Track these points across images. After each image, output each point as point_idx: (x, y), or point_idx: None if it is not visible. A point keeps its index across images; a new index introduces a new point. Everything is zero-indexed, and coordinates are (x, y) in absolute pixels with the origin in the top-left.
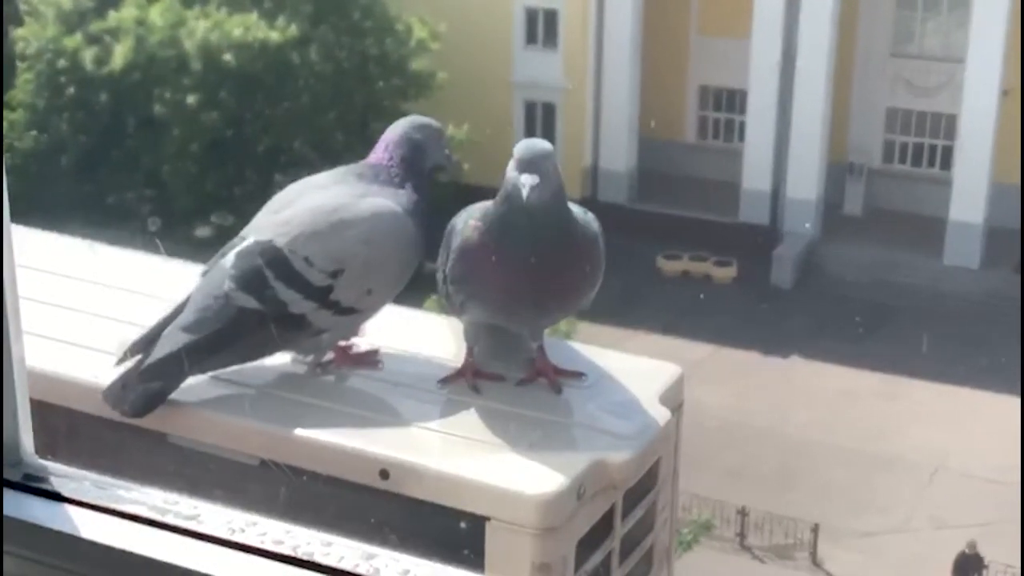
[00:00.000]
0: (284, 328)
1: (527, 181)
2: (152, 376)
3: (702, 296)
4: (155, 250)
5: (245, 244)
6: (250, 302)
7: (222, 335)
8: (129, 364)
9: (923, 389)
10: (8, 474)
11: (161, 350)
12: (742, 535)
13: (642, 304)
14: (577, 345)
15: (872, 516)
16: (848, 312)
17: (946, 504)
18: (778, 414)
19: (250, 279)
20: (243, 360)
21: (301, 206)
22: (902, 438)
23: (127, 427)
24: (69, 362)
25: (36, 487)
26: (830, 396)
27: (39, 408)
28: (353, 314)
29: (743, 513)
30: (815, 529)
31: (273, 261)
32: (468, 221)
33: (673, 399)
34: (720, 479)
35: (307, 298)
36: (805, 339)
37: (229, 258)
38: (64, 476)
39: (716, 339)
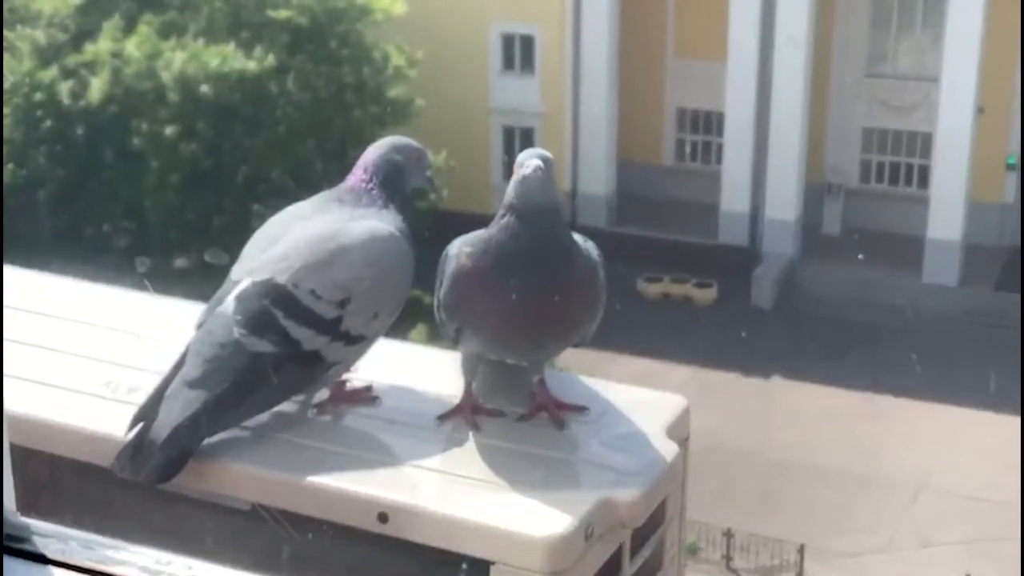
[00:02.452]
0: (299, 368)
1: (531, 163)
2: (175, 441)
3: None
4: (137, 285)
5: (243, 287)
6: (264, 346)
7: (239, 386)
8: (136, 430)
9: (905, 407)
10: None
11: (175, 411)
12: (728, 557)
13: (623, 327)
14: (579, 377)
15: (857, 536)
16: (828, 331)
17: (931, 523)
18: (761, 435)
19: (260, 322)
20: (261, 410)
21: (292, 239)
22: (885, 457)
23: (112, 474)
24: (50, 405)
25: (18, 548)
26: (812, 416)
27: (17, 454)
28: (360, 343)
29: (729, 535)
30: (801, 550)
31: (279, 299)
32: (462, 248)
33: (680, 432)
34: (704, 501)
35: (320, 333)
36: (786, 359)
37: (229, 304)
38: (48, 535)
39: (697, 361)
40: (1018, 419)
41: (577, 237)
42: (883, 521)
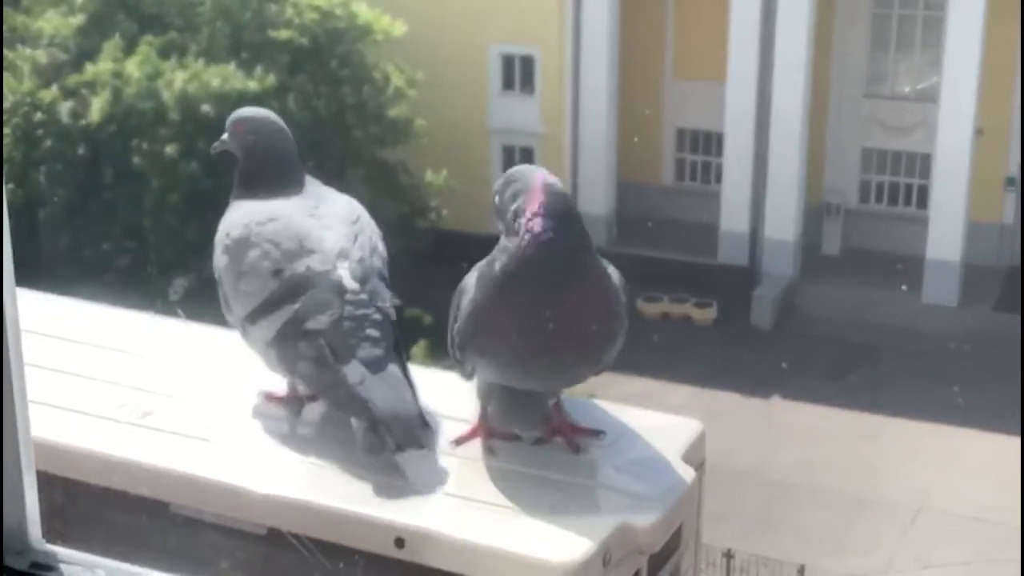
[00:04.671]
0: None
1: (536, 226)
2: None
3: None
4: (138, 306)
5: (353, 269)
6: (393, 316)
7: (403, 354)
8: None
9: (905, 428)
10: (13, 562)
11: (398, 385)
12: None
13: (622, 347)
14: (595, 401)
15: (857, 557)
16: (828, 352)
17: (930, 543)
18: (760, 455)
19: (387, 295)
20: None
21: (336, 221)
22: (885, 478)
23: (127, 496)
24: (65, 429)
25: None
26: (811, 437)
27: (37, 478)
28: None
29: (729, 556)
30: (801, 571)
31: (381, 274)
32: (480, 278)
33: (696, 456)
34: (704, 522)
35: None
36: (786, 380)
37: (347, 282)
38: (74, 563)
39: (697, 381)
40: (1018, 439)
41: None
42: (883, 542)
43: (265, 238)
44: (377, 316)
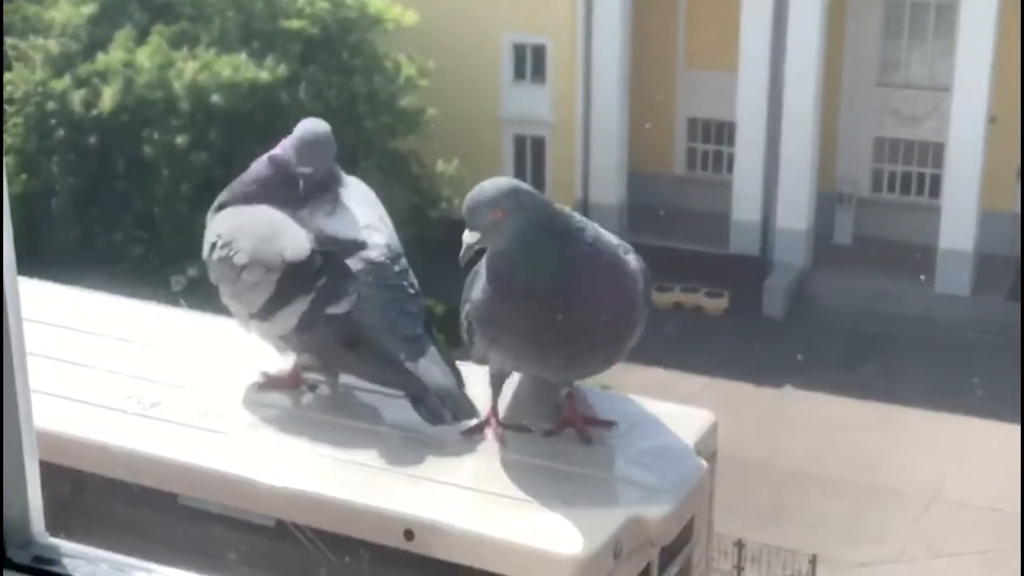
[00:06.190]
0: None
1: (465, 240)
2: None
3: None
4: (151, 296)
5: (387, 238)
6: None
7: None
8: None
9: (916, 418)
10: (15, 556)
11: (440, 359)
12: (740, 568)
13: None
14: (606, 391)
15: (869, 546)
16: (840, 342)
17: (942, 533)
18: (772, 445)
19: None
20: None
21: (357, 202)
22: (897, 468)
23: (134, 488)
24: (72, 419)
25: (47, 571)
26: (823, 427)
27: (41, 471)
28: None
29: (740, 545)
30: (813, 560)
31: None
32: (492, 267)
33: (707, 448)
34: (716, 512)
35: None
36: (798, 369)
37: (391, 262)
38: (78, 557)
39: (709, 371)
40: None
41: (616, 243)
42: (895, 531)
43: (252, 234)
44: (411, 291)
